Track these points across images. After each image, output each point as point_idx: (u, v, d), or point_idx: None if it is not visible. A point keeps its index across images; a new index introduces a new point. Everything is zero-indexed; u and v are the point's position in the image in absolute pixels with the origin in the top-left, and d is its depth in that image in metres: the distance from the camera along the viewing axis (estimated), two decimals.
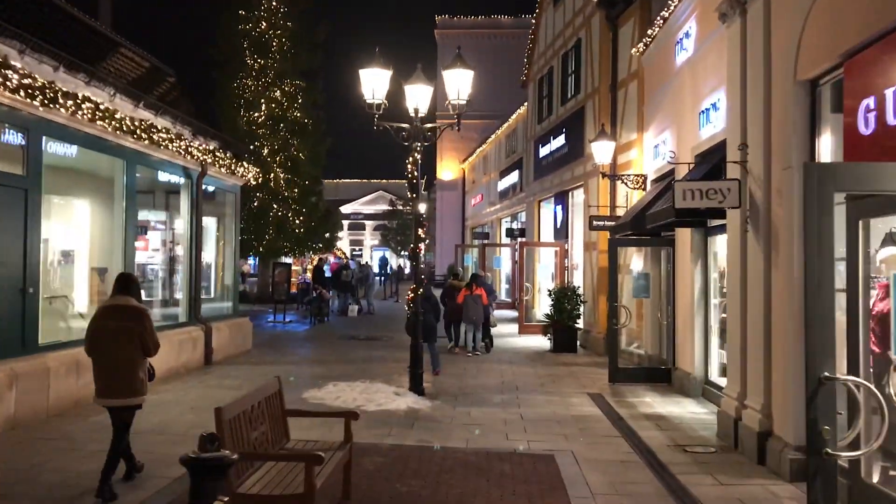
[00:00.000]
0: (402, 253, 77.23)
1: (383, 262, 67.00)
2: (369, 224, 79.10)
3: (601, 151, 15.28)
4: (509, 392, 11.63)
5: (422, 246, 11.09)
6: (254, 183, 16.20)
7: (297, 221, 28.05)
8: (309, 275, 27.63)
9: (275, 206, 27.43)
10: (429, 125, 10.90)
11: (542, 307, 22.06)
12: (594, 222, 16.04)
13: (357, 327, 22.36)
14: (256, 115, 27.79)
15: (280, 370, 13.30)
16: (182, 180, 13.48)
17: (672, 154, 9.57)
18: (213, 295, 15.60)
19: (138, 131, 10.82)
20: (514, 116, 28.81)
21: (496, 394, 11.46)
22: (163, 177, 13.05)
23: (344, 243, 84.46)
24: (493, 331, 18.97)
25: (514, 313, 26.24)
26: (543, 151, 22.38)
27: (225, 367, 13.44)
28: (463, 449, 8.02)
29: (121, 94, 10.87)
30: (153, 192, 13.95)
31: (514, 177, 28.21)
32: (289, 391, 11.20)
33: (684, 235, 12.00)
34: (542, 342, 17.93)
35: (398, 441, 8.32)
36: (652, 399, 11.27)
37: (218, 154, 13.84)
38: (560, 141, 20.49)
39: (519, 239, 27.18)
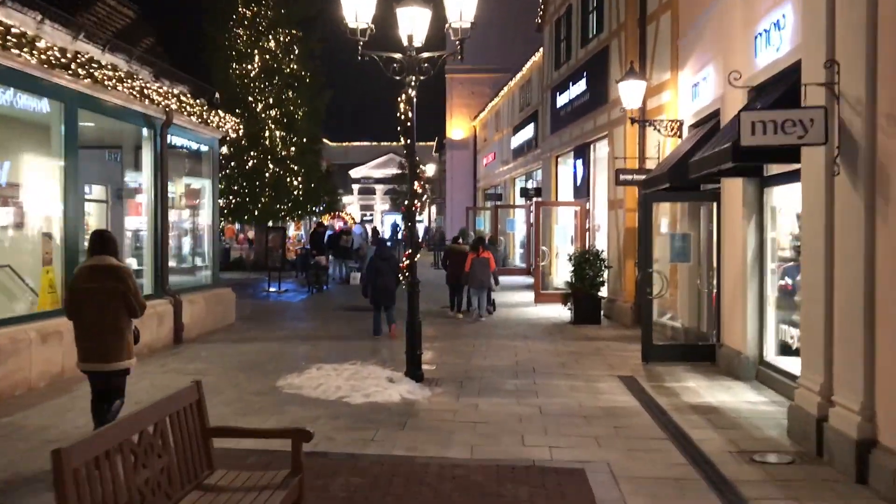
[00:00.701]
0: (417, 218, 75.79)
1: (395, 228, 65.36)
2: (380, 188, 77.92)
3: (630, 93, 13.29)
4: (525, 376, 9.85)
5: (418, 203, 9.24)
6: (233, 135, 14.34)
7: (296, 183, 26.21)
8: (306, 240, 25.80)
9: (270, 165, 25.57)
10: (425, 54, 8.98)
11: (561, 273, 20.24)
12: (621, 176, 14.12)
13: (358, 297, 20.58)
14: (249, 67, 25.82)
15: (260, 348, 11.59)
16: (144, 131, 11.67)
17: (736, 75, 7.63)
18: (187, 263, 13.87)
19: (74, 65, 8.96)
20: (528, 65, 26.69)
21: (509, 378, 9.67)
22: (118, 126, 11.24)
23: (354, 208, 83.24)
24: (510, 299, 17.43)
25: (528, 280, 24.43)
26: (561, 101, 20.35)
27: (196, 347, 11.74)
28: (466, 462, 6.23)
29: (51, 20, 9.00)
30: (113, 146, 12.19)
31: (528, 132, 26.19)
32: (262, 376, 9.53)
33: (733, 188, 10.08)
34: (561, 312, 16.13)
35: (383, 449, 6.54)
36: (696, 383, 9.45)
37: (185, 99, 11.98)
38: (580, 87, 18.45)
39: (534, 199, 25.24)
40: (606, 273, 15.39)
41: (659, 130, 13.22)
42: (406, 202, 9.30)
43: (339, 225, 57.64)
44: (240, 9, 25.61)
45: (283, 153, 25.78)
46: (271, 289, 21.03)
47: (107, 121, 11.06)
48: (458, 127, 42.94)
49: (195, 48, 26.04)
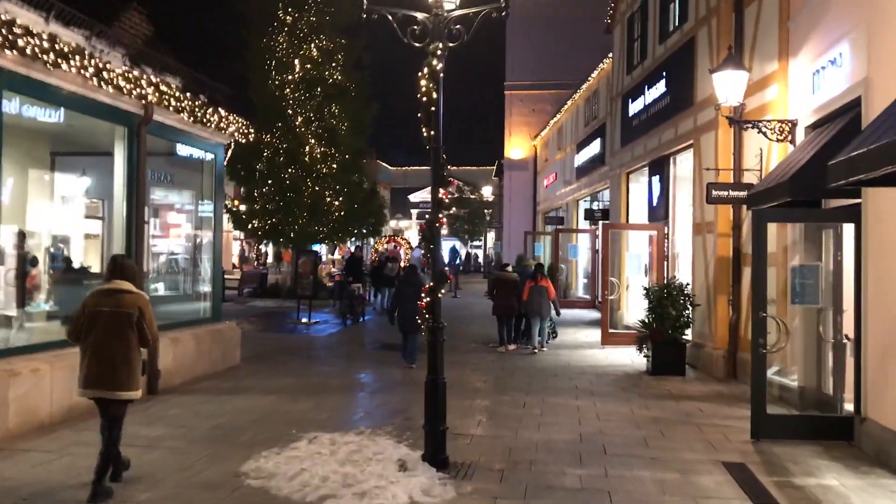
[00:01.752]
0: (472, 243, 73.38)
1: (453, 254, 63.03)
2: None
3: (728, 86, 10.57)
4: (592, 461, 7.12)
5: (443, 220, 6.67)
6: (242, 140, 12.06)
7: (337, 203, 23.97)
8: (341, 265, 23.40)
9: (309, 183, 23.38)
10: (457, 12, 6.48)
11: (633, 309, 17.40)
12: (713, 192, 11.35)
13: (391, 331, 18.13)
14: (289, 77, 23.79)
15: (248, 405, 9.13)
16: (115, 128, 9.46)
17: None
18: (176, 292, 11.62)
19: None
20: (594, 74, 24.00)
21: (570, 465, 6.96)
22: (77, 121, 9.04)
23: (412, 233, 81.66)
24: (571, 338, 14.97)
25: (592, 314, 21.58)
26: (634, 108, 17.63)
27: (171, 400, 9.34)
28: None
29: None
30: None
31: (594, 147, 23.48)
32: (229, 453, 6.89)
33: (887, 203, 7.27)
34: (633, 358, 13.35)
35: None
36: (839, 480, 6.61)
37: (168, 90, 9.71)
38: (658, 90, 15.71)
39: (601, 222, 22.46)
40: (690, 312, 12.54)
41: (765, 134, 10.43)
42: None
43: (388, 248, 55.80)
44: (279, 13, 23.66)
45: (323, 170, 23.59)
46: (302, 320, 18.73)
47: (76, 117, 8.91)
48: (517, 147, 40.34)
49: (230, 56, 24.16)
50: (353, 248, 24.12)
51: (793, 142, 10.26)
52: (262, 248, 26.99)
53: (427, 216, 6.59)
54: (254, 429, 7.93)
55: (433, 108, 6.57)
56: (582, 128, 26.56)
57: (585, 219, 23.48)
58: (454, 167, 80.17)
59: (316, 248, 34.72)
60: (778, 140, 10.38)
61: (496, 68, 42.85)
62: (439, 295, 6.65)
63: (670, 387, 11.19)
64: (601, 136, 22.47)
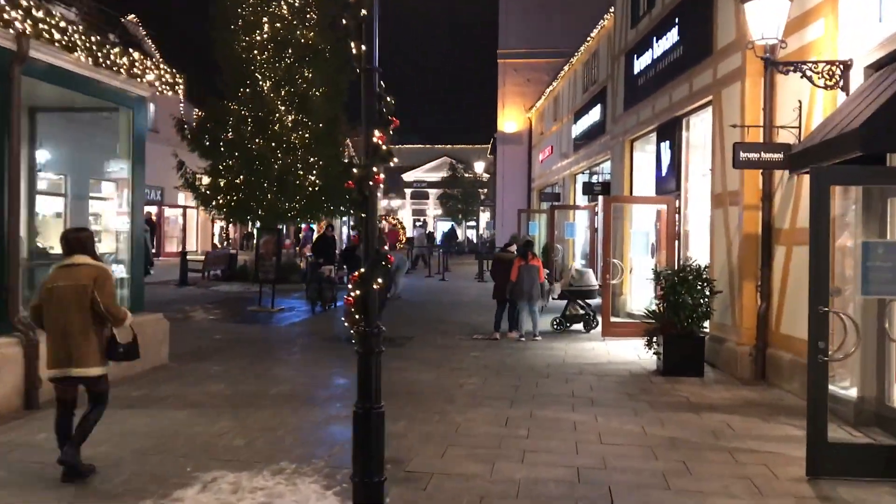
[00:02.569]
0: (465, 223, 71.05)
1: (451, 234, 60.87)
2: (433, 193, 74.75)
3: (764, 18, 8.52)
4: None
5: (380, 176, 4.57)
6: (169, 93, 9.92)
7: (311, 177, 21.84)
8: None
9: (279, 154, 21.22)
10: None
11: (637, 295, 15.40)
12: (742, 154, 9.33)
13: None
14: (257, 37, 21.57)
15: (146, 426, 7.05)
16: None
17: None
18: None
19: None
20: (594, 32, 21.76)
21: None
22: None
23: (406, 212, 79.44)
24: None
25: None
26: (640, 65, 15.51)
27: (52, 417, 7.32)
28: None
29: None
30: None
31: (594, 115, 21.34)
32: None
33: None
34: (639, 353, 11.38)
35: None
36: None
37: (49, 21, 7.58)
38: (669, 41, 13.59)
39: (600, 197, 20.39)
40: (710, 300, 10.49)
41: (810, 79, 8.38)
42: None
43: (387, 228, 53.62)
44: None
45: (294, 140, 21.42)
46: (263, 306, 16.69)
47: None
48: (510, 119, 38.04)
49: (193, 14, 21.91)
50: (324, 227, 21.78)
51: (845, 88, 8.20)
52: (230, 226, 24.75)
53: (359, 174, 4.52)
54: (136, 465, 5.88)
55: (364, 12, 4.48)
56: (580, 94, 24.39)
57: (584, 193, 21.38)
58: (447, 146, 78.03)
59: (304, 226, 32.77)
60: (826, 87, 8.32)
61: (490, 36, 40.57)
62: (375, 286, 4.57)
63: (687, 392, 9.19)
64: (601, 101, 20.33)
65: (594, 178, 21.13)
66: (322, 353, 11.57)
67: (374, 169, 4.45)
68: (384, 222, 53.99)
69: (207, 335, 12.95)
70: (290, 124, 21.50)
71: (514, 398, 8.66)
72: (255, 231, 20.61)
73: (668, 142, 13.96)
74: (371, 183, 4.47)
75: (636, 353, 11.67)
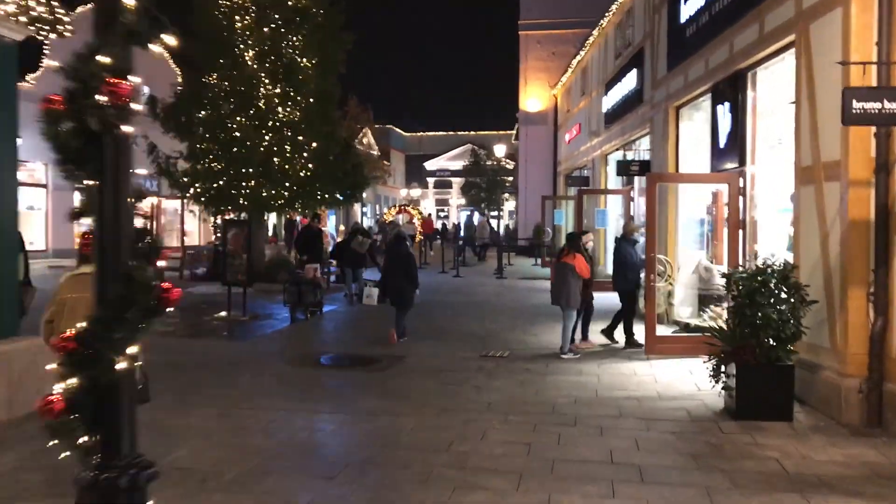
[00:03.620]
0: (491, 213, 67.94)
1: (468, 225, 57.88)
2: (456, 182, 71.75)
3: None
4: None
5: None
6: (53, 36, 7.24)
7: (302, 160, 19.15)
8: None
9: (264, 133, 18.55)
10: None
11: (684, 300, 12.56)
12: (854, 104, 6.51)
13: (357, 330, 13.40)
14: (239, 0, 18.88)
15: None
16: None
17: None
18: None
19: None
20: None
21: None
22: None
23: (429, 202, 76.68)
24: (598, 340, 10.54)
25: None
26: (688, 11, 12.59)
27: None
28: None
29: None
30: None
31: (629, 82, 18.38)
32: None
33: None
34: (697, 379, 8.62)
35: None
36: None
37: None
38: None
39: (636, 179, 17.52)
40: (799, 313, 7.60)
41: None
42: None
43: (400, 220, 50.86)
44: None
45: (280, 118, 18.73)
46: (233, 314, 14.02)
47: None
48: (533, 97, 34.95)
49: None
50: (310, 219, 18.89)
51: None
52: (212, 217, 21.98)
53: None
54: None
55: None
56: (612, 62, 21.39)
57: (618, 174, 18.43)
58: (469, 132, 74.84)
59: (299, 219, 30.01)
60: None
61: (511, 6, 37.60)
62: (126, 359, 1.82)
63: (777, 450, 6.39)
64: (637, 65, 17.36)
65: (630, 157, 18.17)
66: (281, 389, 8.84)
67: (108, 63, 1.69)
68: (403, 213, 51.44)
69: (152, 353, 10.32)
70: (275, 99, 18.80)
71: (524, 469, 5.89)
72: (220, 222, 17.84)
73: (727, 104, 11.03)
74: (106, 97, 1.72)
75: (692, 380, 8.93)
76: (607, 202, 20.91)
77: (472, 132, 75.75)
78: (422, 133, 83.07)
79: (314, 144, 19.69)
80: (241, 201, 18.94)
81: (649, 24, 16.05)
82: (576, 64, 27.43)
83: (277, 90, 18.77)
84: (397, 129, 76.24)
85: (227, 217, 18.35)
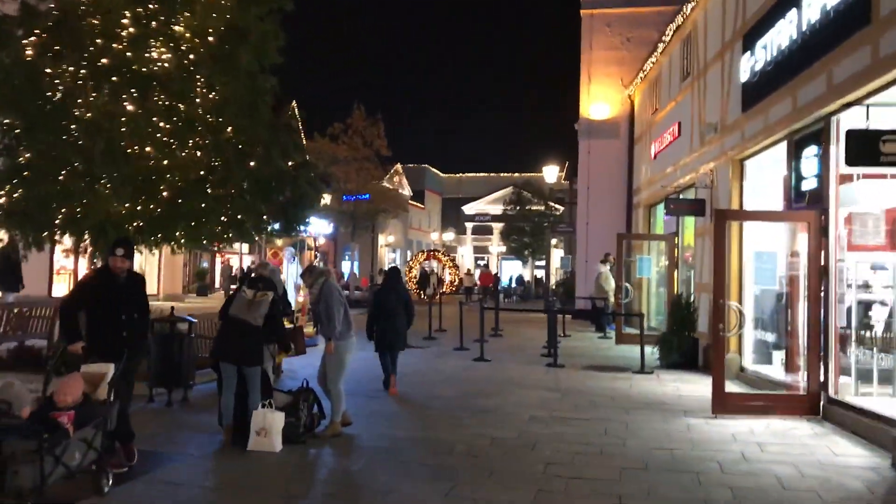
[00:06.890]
0: (534, 262, 60.18)
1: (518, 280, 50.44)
2: (497, 227, 67.38)
3: None
4: None
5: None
6: None
7: (193, 152, 10.77)
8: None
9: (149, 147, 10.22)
10: None
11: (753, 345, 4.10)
12: None
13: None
14: None
15: None
16: None
17: None
18: None
19: None
20: None
21: None
22: None
23: (467, 249, 70.13)
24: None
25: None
26: None
27: None
28: None
29: None
30: None
31: (786, 29, 9.58)
32: None
33: None
34: (804, 444, 3.48)
35: None
36: None
37: None
38: None
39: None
40: None
41: None
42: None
43: (429, 266, 42.15)
44: None
45: (150, 66, 10.38)
46: None
47: None
48: (600, 100, 26.01)
49: None
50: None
51: None
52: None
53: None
54: None
55: None
56: (746, 16, 12.68)
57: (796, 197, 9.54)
58: (518, 174, 67.33)
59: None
60: None
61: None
62: None
63: None
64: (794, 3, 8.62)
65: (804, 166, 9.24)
66: None
67: None
68: (432, 261, 43.05)
69: None
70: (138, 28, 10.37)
71: None
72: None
73: None
74: None
75: (801, 445, 4.23)
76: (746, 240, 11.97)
77: (517, 174, 69.84)
78: (461, 175, 77.67)
79: (229, 129, 11.30)
80: (151, 237, 10.50)
81: None
82: (671, 34, 18.66)
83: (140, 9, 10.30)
84: (433, 169, 72.49)
85: None
